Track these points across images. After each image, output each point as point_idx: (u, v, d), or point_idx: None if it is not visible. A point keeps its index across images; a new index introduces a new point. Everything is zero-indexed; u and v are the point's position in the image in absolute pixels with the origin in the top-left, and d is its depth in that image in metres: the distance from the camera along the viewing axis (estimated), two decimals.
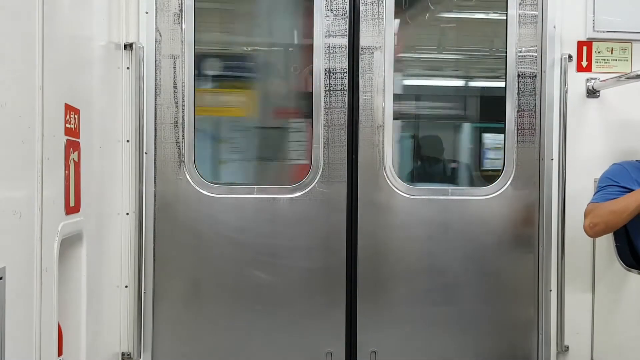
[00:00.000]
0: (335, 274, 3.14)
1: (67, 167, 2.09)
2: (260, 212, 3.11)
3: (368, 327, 3.15)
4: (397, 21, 3.25)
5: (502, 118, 3.24)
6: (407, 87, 3.77)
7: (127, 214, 2.95)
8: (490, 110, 3.78)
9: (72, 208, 2.15)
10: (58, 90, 2.02)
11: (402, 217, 3.16)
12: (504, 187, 3.21)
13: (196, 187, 3.08)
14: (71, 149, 2.14)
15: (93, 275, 2.44)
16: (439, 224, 3.18)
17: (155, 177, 3.05)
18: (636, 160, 2.96)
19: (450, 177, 3.82)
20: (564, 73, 3.11)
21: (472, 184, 3.80)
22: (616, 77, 3.04)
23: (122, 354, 2.97)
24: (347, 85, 3.13)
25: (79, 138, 2.23)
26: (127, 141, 2.94)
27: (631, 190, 2.76)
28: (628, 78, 2.96)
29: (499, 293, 3.24)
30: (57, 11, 2.03)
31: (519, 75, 3.21)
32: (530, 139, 3.21)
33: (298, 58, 3.50)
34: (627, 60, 3.19)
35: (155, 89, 3.05)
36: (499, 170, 3.25)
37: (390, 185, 3.15)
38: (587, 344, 3.17)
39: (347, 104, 3.13)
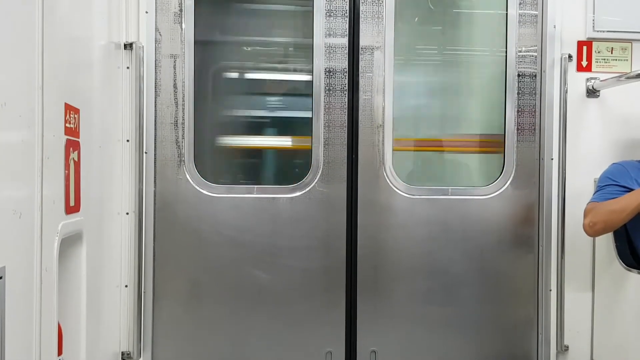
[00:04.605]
0: (335, 273, 3.14)
1: (67, 166, 2.09)
2: (260, 211, 3.11)
3: (368, 327, 3.15)
4: None
5: None
6: None
7: (127, 213, 2.95)
8: None
9: (72, 208, 2.15)
10: (58, 90, 2.02)
11: (402, 217, 3.16)
12: (504, 187, 3.21)
13: (196, 187, 3.08)
14: (71, 149, 2.14)
15: (93, 274, 2.44)
16: (438, 223, 3.18)
17: (155, 177, 3.06)
18: (636, 160, 2.96)
19: None
20: (564, 73, 3.11)
21: None
22: (616, 76, 3.04)
23: (122, 354, 2.97)
24: (347, 85, 3.13)
25: (79, 138, 2.23)
26: (127, 141, 2.94)
27: (631, 189, 2.76)
28: (628, 78, 2.96)
29: (498, 293, 3.24)
30: (57, 11, 2.03)
31: (518, 75, 3.21)
32: (530, 139, 3.21)
33: None
34: (627, 60, 3.19)
35: (155, 89, 3.05)
36: None
37: (390, 185, 3.15)
38: (587, 343, 3.18)
39: (347, 103, 3.13)
